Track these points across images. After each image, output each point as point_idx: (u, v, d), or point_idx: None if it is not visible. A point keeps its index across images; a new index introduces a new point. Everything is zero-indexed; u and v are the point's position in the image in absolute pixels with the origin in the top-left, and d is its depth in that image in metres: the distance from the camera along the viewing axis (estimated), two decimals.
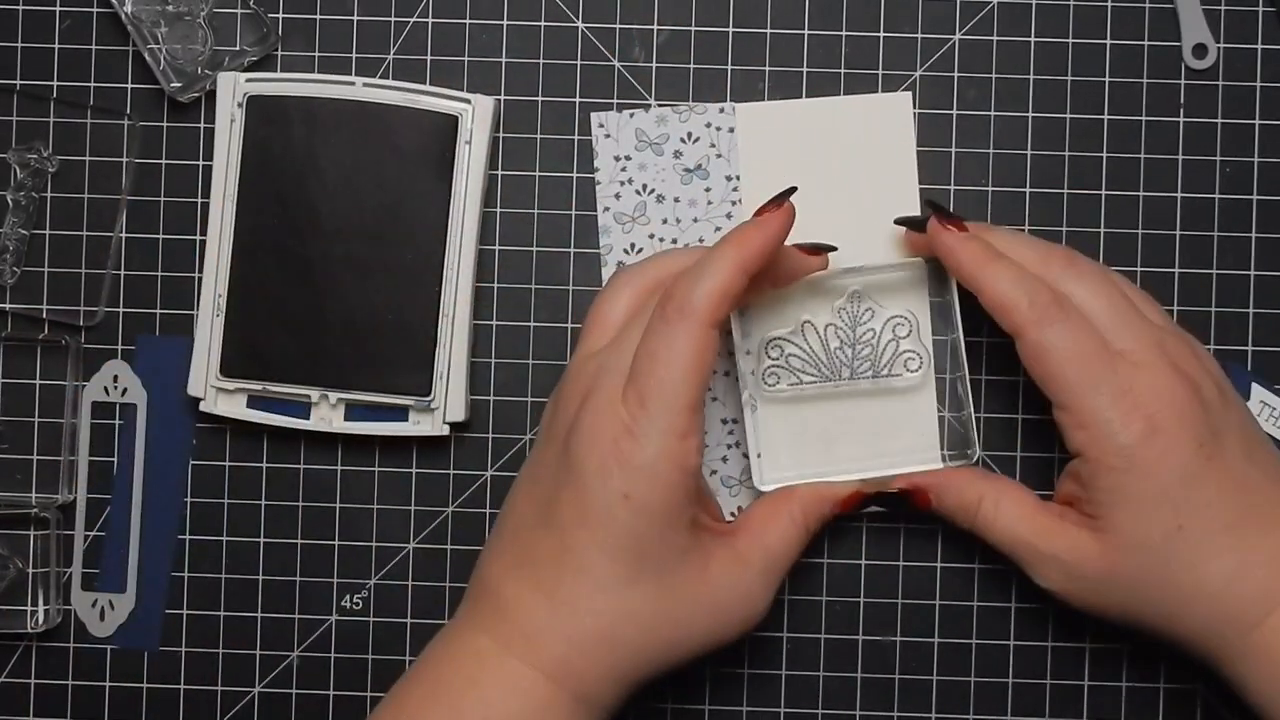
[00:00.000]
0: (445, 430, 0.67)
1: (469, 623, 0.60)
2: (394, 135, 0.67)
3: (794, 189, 0.61)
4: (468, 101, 0.67)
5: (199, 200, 0.69)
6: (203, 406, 0.67)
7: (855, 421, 0.66)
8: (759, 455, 0.66)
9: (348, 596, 0.69)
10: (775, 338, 0.66)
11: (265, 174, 0.67)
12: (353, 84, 0.67)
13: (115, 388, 0.69)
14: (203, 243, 0.68)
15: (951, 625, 0.68)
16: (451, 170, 0.67)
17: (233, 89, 0.67)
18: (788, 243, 0.61)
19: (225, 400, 0.68)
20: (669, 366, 0.57)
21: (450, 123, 0.67)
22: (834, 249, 0.64)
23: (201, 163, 0.69)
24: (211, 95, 0.68)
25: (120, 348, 0.69)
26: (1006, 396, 0.68)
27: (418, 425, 0.67)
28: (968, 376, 0.65)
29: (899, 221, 0.65)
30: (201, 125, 0.69)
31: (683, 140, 0.68)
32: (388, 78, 0.68)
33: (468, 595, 0.62)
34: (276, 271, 0.67)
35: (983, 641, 0.68)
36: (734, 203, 0.67)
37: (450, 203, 0.67)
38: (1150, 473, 0.58)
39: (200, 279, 0.68)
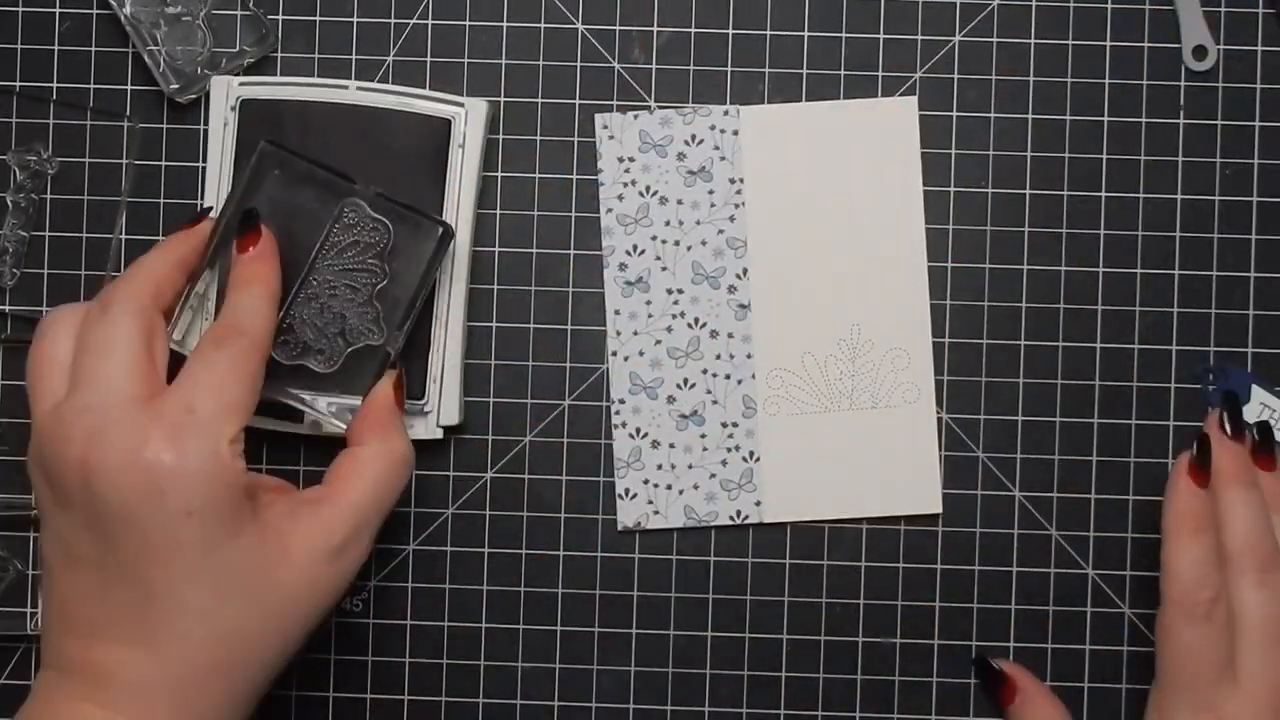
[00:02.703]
0: (439, 434, 0.67)
1: (66, 695, 0.55)
2: (388, 139, 0.67)
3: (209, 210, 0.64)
4: (461, 105, 0.67)
5: (199, 202, 0.68)
6: None
7: (854, 460, 0.67)
8: (758, 503, 0.66)
9: (347, 598, 0.69)
10: (776, 369, 0.66)
11: None
12: (346, 87, 0.67)
13: None
14: None
15: (951, 627, 0.68)
16: (445, 173, 0.67)
17: (226, 92, 0.67)
18: None
19: None
20: (114, 353, 0.56)
21: (444, 126, 0.67)
22: None
23: (201, 165, 0.69)
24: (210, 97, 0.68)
25: None
26: (1007, 397, 0.68)
27: (412, 430, 0.67)
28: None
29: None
30: (201, 127, 0.69)
31: (686, 143, 0.68)
32: (387, 80, 0.68)
33: (47, 679, 0.57)
34: None
35: (982, 644, 0.68)
36: (737, 205, 0.67)
37: (444, 206, 0.67)
38: None
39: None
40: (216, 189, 0.67)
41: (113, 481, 0.54)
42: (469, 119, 0.67)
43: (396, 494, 0.61)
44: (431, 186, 0.67)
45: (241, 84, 0.67)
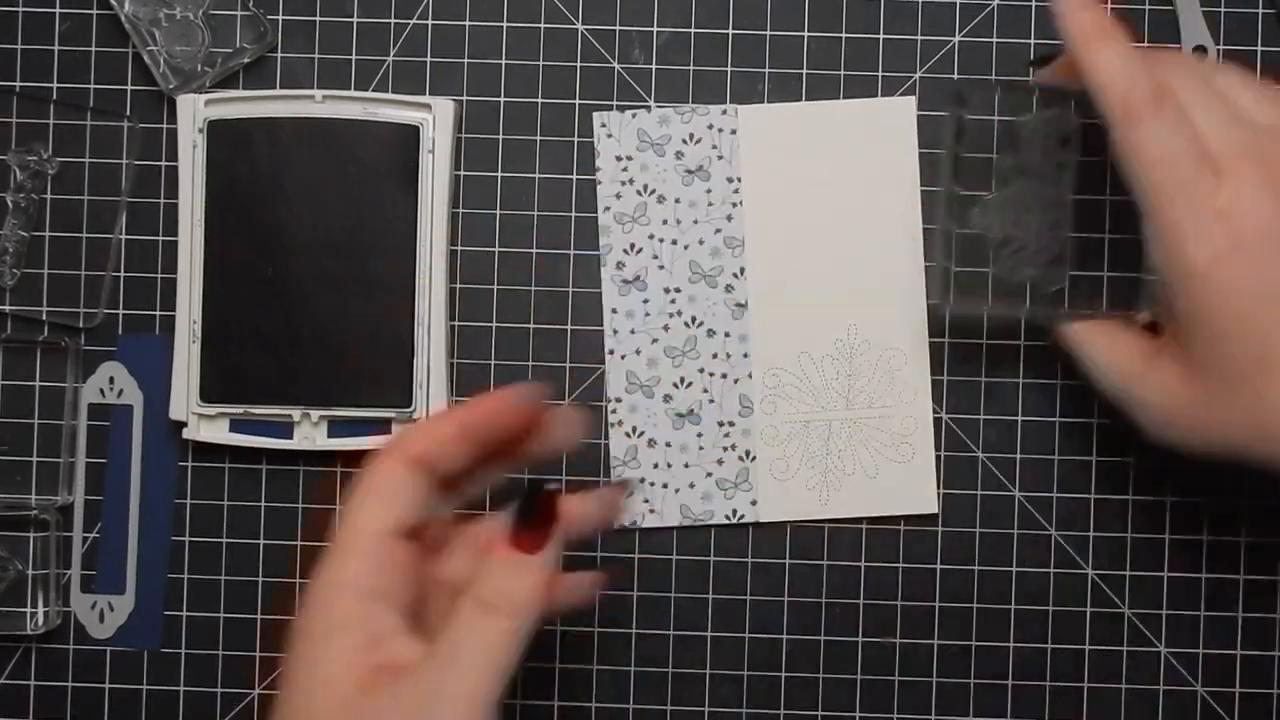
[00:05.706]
0: None
1: None
2: (357, 149, 0.67)
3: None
4: (428, 106, 0.67)
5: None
6: (186, 434, 0.67)
7: (850, 459, 0.67)
8: (754, 502, 0.66)
9: None
10: (772, 368, 0.66)
11: (231, 198, 0.67)
12: (313, 97, 0.67)
13: (111, 389, 0.69)
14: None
15: (951, 627, 0.68)
16: (416, 179, 0.67)
17: (193, 115, 0.67)
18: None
19: (207, 426, 0.68)
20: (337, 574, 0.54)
21: (412, 133, 0.67)
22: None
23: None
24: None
25: (119, 349, 0.69)
26: (1007, 397, 0.68)
27: None
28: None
29: (1032, 63, 0.64)
30: None
31: (684, 141, 0.68)
32: (388, 80, 0.68)
33: None
34: (249, 294, 0.67)
35: (982, 643, 0.68)
36: (735, 204, 0.67)
37: (418, 211, 0.67)
38: (1227, 295, 0.54)
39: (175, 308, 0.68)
40: (189, 213, 0.67)
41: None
42: (436, 122, 0.67)
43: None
44: (404, 194, 0.67)
45: (208, 103, 0.67)
